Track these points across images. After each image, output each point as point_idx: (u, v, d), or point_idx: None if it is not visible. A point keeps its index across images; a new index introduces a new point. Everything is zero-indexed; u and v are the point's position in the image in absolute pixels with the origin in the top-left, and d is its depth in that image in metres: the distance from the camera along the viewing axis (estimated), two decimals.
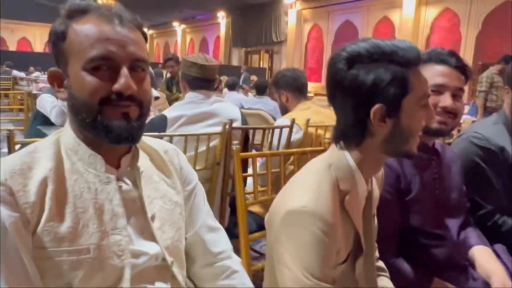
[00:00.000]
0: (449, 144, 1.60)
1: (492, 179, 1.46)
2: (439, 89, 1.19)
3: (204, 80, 1.84)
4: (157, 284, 0.82)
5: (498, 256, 1.33)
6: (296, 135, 2.13)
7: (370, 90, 0.80)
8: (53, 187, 0.72)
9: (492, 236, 1.40)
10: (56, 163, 0.75)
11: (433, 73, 1.17)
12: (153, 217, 0.83)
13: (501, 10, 9.33)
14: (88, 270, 0.72)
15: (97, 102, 0.73)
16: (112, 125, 0.74)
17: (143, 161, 0.88)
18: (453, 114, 1.21)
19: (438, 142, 1.34)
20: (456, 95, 1.21)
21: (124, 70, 0.74)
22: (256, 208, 1.98)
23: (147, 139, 0.94)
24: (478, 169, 1.46)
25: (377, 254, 1.07)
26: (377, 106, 0.81)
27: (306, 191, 0.82)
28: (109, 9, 0.77)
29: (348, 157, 0.87)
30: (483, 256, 1.27)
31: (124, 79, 0.73)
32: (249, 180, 1.91)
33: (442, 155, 1.31)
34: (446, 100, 1.19)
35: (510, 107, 1.55)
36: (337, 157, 0.88)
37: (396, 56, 0.80)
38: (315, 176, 0.85)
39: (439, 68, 1.20)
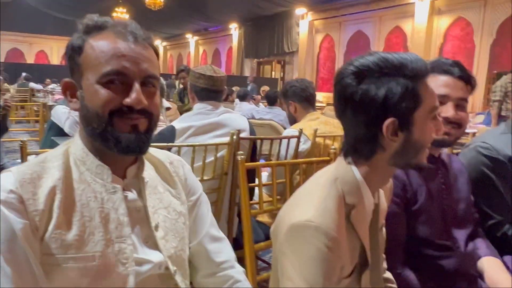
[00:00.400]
0: (457, 154, 1.59)
1: (501, 189, 1.44)
2: (441, 100, 1.19)
3: (212, 91, 1.87)
4: None
5: (507, 267, 1.31)
6: (304, 146, 2.13)
7: (382, 105, 0.79)
8: (61, 196, 0.75)
9: (502, 247, 1.37)
10: (65, 173, 0.78)
11: (436, 84, 1.17)
12: (156, 227, 0.85)
13: None
14: (94, 277, 0.74)
15: (108, 113, 0.77)
16: (121, 136, 0.78)
17: (149, 172, 0.90)
18: (457, 124, 1.20)
19: (445, 152, 1.34)
20: (459, 105, 1.20)
21: (136, 86, 0.78)
22: (264, 218, 1.98)
23: (153, 150, 0.97)
24: (486, 179, 1.44)
25: (385, 265, 1.06)
26: (389, 120, 0.80)
27: (311, 205, 0.82)
28: (125, 26, 0.81)
29: (355, 171, 0.87)
30: (492, 267, 1.25)
31: (135, 94, 0.77)
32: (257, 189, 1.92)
33: (449, 165, 1.31)
34: (448, 110, 1.19)
35: None
36: (344, 170, 0.87)
37: (405, 68, 0.80)
38: (320, 189, 0.85)
39: (442, 78, 1.20)
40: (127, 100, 0.77)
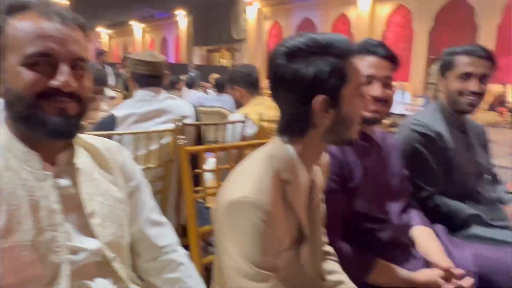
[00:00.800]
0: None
1: (432, 163, 1.54)
2: (369, 80, 1.25)
3: (152, 77, 1.82)
4: (97, 280, 0.82)
5: (438, 235, 1.41)
6: (250, 130, 2.15)
7: (312, 83, 0.83)
8: None
9: (433, 217, 1.48)
10: None
11: (364, 64, 1.23)
12: (92, 214, 0.83)
13: (453, 6, 9.77)
14: (25, 267, 0.72)
15: (34, 96, 0.74)
16: (48, 119, 0.75)
17: (83, 159, 0.88)
18: (384, 101, 1.27)
19: (379, 130, 1.40)
20: (386, 83, 1.27)
21: (64, 68, 0.75)
22: (214, 204, 1.98)
23: (88, 137, 0.94)
24: (418, 154, 1.54)
25: (325, 239, 1.11)
26: (320, 97, 0.83)
27: (247, 181, 0.84)
28: (49, 6, 0.77)
29: (289, 148, 0.90)
30: (423, 236, 1.34)
31: (63, 77, 0.74)
32: (207, 176, 1.92)
33: (382, 142, 1.37)
34: (376, 89, 1.25)
35: (445, 95, 1.64)
36: (279, 148, 0.90)
37: (332, 48, 0.83)
38: (256, 166, 0.87)
39: (369, 59, 1.26)
40: (54, 83, 0.74)
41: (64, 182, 0.82)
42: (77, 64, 0.78)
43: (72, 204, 0.82)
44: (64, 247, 0.77)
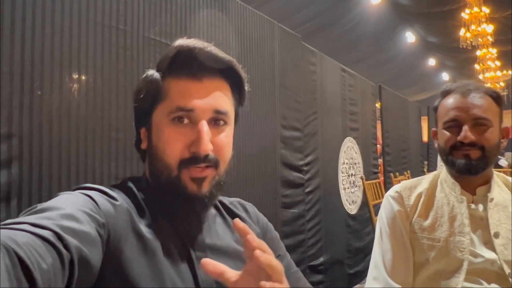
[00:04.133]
0: None
1: None
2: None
3: None
4: (493, 285, 1.02)
5: None
6: None
7: None
8: (424, 199, 1.16)
9: None
10: (430, 185, 1.19)
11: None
12: (496, 234, 1.06)
13: None
14: (437, 253, 1.08)
15: (449, 147, 1.10)
16: (456, 162, 1.09)
17: (498, 192, 1.13)
18: None
19: None
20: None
21: (464, 127, 1.06)
22: None
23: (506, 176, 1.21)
24: None
25: None
26: None
27: None
28: (465, 86, 1.11)
29: None
30: None
31: (463, 133, 1.06)
32: None
33: None
34: None
35: None
36: None
37: None
38: None
39: None
40: (458, 138, 1.07)
41: (475, 206, 1.11)
42: (478, 122, 1.07)
43: (481, 224, 1.09)
44: (467, 249, 1.05)
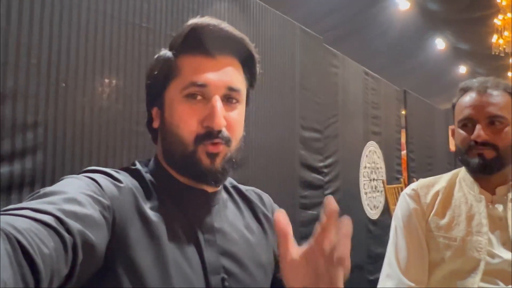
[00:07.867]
0: None
1: None
2: None
3: None
4: (510, 286, 0.99)
5: None
6: None
7: None
8: (442, 197, 1.13)
9: None
10: (448, 184, 1.16)
11: None
12: None
13: None
14: (454, 252, 1.05)
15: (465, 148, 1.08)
16: (471, 161, 1.06)
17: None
18: None
19: None
20: None
21: (478, 125, 1.04)
22: None
23: None
24: None
25: None
26: None
27: None
28: (483, 83, 1.08)
29: None
30: None
31: (476, 132, 1.03)
32: None
33: None
34: None
35: None
36: None
37: None
38: None
39: None
40: (472, 137, 1.04)
41: (494, 206, 1.07)
42: (493, 121, 1.03)
43: (499, 224, 1.06)
44: (484, 249, 1.03)
